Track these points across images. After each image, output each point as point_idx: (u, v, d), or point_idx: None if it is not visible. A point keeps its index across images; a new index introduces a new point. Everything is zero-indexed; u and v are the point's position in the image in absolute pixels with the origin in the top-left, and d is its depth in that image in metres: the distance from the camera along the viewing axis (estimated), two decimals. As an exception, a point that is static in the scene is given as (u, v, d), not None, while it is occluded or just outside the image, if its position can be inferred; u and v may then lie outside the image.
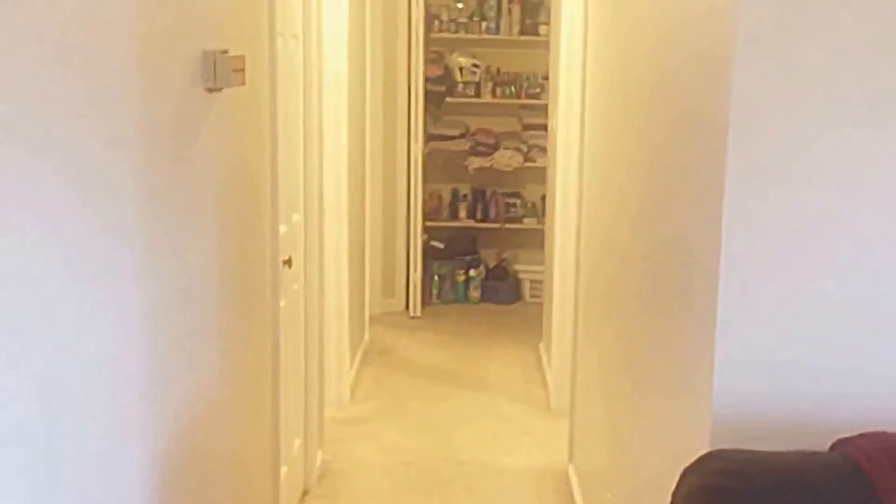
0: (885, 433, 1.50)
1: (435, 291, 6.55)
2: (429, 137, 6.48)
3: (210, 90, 2.17)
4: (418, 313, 6.23)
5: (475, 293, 6.56)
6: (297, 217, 3.45)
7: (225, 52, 2.21)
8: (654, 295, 2.18)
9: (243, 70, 2.30)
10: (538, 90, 6.35)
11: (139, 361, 1.81)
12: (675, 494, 1.52)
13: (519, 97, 6.44)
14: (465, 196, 6.67)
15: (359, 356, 5.20)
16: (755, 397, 1.60)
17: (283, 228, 3.17)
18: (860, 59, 1.55)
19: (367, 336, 5.57)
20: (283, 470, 3.31)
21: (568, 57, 4.28)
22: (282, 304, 3.18)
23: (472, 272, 6.56)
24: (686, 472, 1.53)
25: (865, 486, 1.42)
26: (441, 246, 6.63)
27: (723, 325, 1.58)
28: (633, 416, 2.49)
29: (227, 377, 2.46)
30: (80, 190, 1.52)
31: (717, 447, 1.57)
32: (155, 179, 1.86)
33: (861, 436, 1.51)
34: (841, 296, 1.59)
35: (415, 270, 6.24)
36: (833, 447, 1.57)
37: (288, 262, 3.21)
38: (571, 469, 3.73)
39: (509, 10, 6.33)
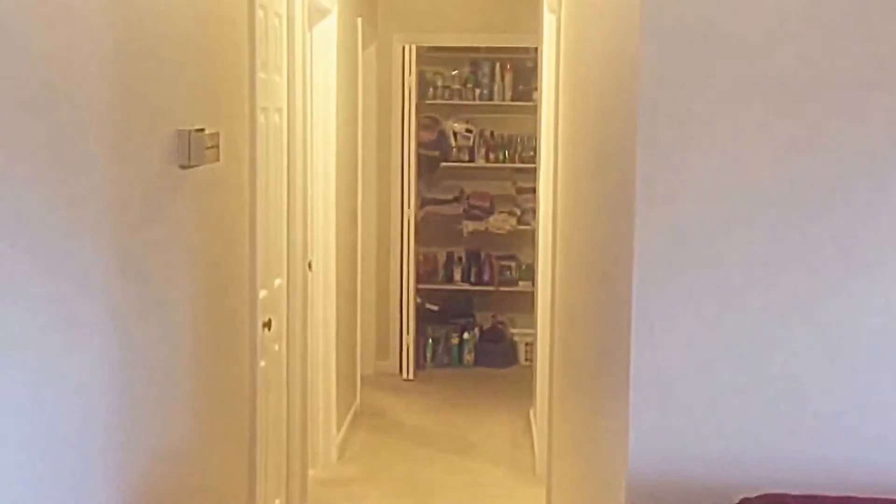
0: (783, 495, 1.65)
1: (429, 354, 6.72)
2: (424, 201, 6.72)
3: (183, 167, 2.39)
4: (411, 376, 6.39)
5: (469, 356, 6.72)
6: (279, 281, 3.65)
7: (200, 130, 2.44)
8: (593, 362, 2.36)
9: (217, 147, 2.52)
10: (531, 153, 6.57)
11: (104, 422, 1.99)
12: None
13: (513, 161, 6.67)
14: (459, 259, 6.87)
15: (349, 418, 5.36)
16: (667, 461, 1.77)
17: (263, 293, 3.37)
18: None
19: (358, 398, 5.73)
20: (263, 530, 3.47)
21: (546, 120, 4.50)
22: (262, 364, 3.37)
23: (466, 335, 6.73)
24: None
25: None
26: (436, 308, 6.81)
27: (636, 394, 1.76)
28: (580, 481, 2.65)
29: (199, 438, 2.64)
30: (46, 251, 1.72)
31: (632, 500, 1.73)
32: (125, 246, 2.06)
33: (761, 497, 1.65)
34: (746, 367, 1.77)
35: (408, 333, 6.41)
36: None
37: (267, 325, 3.40)
38: (549, 532, 3.86)
39: (502, 77, 6.60)
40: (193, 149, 2.38)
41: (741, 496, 1.69)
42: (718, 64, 1.73)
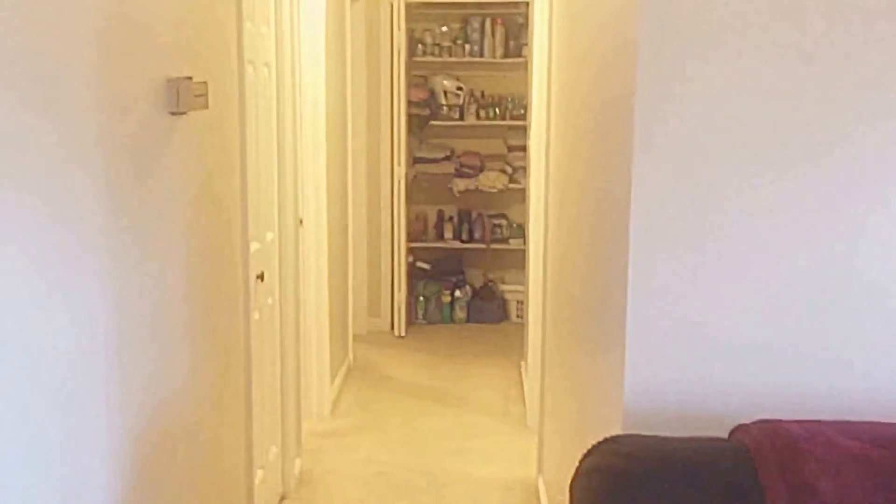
0: (777, 421, 1.71)
1: (420, 311, 6.79)
2: (414, 160, 6.75)
3: (173, 113, 2.43)
4: (403, 333, 6.47)
5: (461, 313, 6.80)
6: (270, 235, 3.70)
7: (189, 78, 2.48)
8: (585, 302, 2.42)
9: (206, 95, 2.56)
10: (522, 112, 6.60)
11: (104, 369, 2.05)
12: (574, 474, 1.74)
13: (503, 119, 6.69)
14: (450, 217, 6.92)
15: (341, 373, 5.44)
16: (665, 389, 1.84)
17: (255, 245, 3.42)
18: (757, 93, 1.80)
19: (350, 354, 5.81)
20: (259, 473, 3.55)
21: (538, 78, 4.53)
22: (255, 316, 3.43)
23: (457, 293, 6.80)
24: (587, 454, 1.75)
25: (748, 469, 1.63)
26: (427, 267, 6.87)
27: (633, 329, 1.82)
28: (576, 427, 2.73)
29: (197, 384, 2.70)
30: (43, 198, 1.77)
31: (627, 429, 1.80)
32: (119, 193, 2.11)
33: (756, 423, 1.72)
34: (744, 294, 1.83)
35: (399, 291, 6.48)
36: (731, 434, 1.79)
37: (261, 277, 3.46)
38: (541, 481, 3.94)
39: (493, 33, 6.59)
40: (182, 96, 2.43)
41: (736, 423, 1.75)
42: (717, 13, 1.78)
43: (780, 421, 1.72)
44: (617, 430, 1.86)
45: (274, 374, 3.82)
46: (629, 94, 1.83)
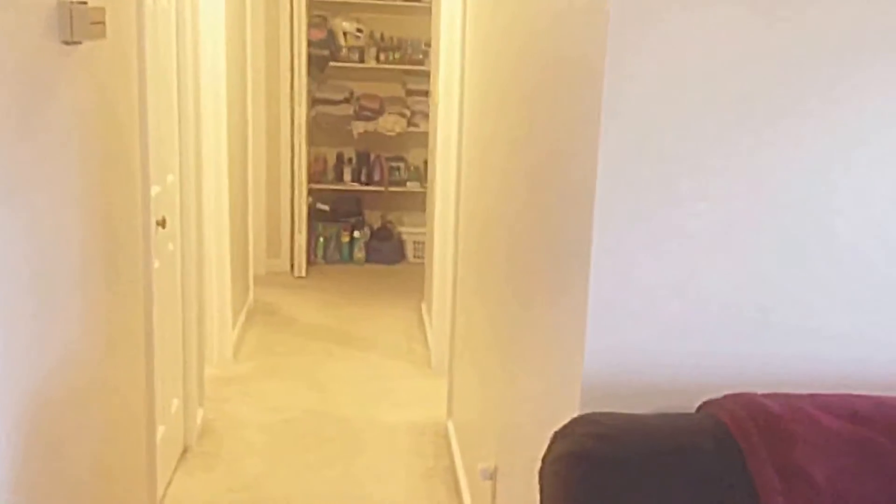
0: (750, 395, 1.45)
1: (320, 252, 6.44)
2: (314, 101, 6.32)
3: (67, 42, 1.99)
4: (303, 273, 6.10)
5: (360, 254, 6.47)
6: (171, 178, 3.28)
7: (83, 2, 2.04)
8: (528, 255, 2.13)
9: (103, 23, 2.13)
10: (421, 56, 6.24)
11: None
12: (545, 459, 1.46)
13: (403, 63, 6.31)
14: (350, 160, 6.54)
15: (242, 316, 5.05)
16: (624, 358, 1.55)
17: (156, 189, 3.00)
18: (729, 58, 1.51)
19: (251, 296, 5.41)
20: (161, 429, 3.17)
21: (449, 23, 4.18)
22: (156, 264, 3.02)
23: (356, 233, 6.47)
24: (556, 437, 1.46)
25: (735, 452, 1.38)
26: (326, 208, 6.50)
27: (595, 286, 1.52)
28: (504, 375, 2.45)
29: (91, 336, 2.30)
30: None
31: (586, 407, 1.52)
32: (8, 122, 1.69)
33: (727, 397, 1.46)
34: (706, 262, 1.56)
35: (299, 232, 6.09)
36: (700, 409, 1.53)
37: (161, 223, 3.04)
38: (450, 424, 3.69)
39: (393, -24, 6.18)
40: (77, 22, 1.99)
41: (705, 397, 1.50)
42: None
43: (752, 395, 1.47)
44: (574, 399, 1.58)
45: (175, 325, 3.42)
46: (596, 59, 1.52)
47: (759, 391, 1.45)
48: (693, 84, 1.51)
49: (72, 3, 1.98)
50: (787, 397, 1.40)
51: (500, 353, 2.54)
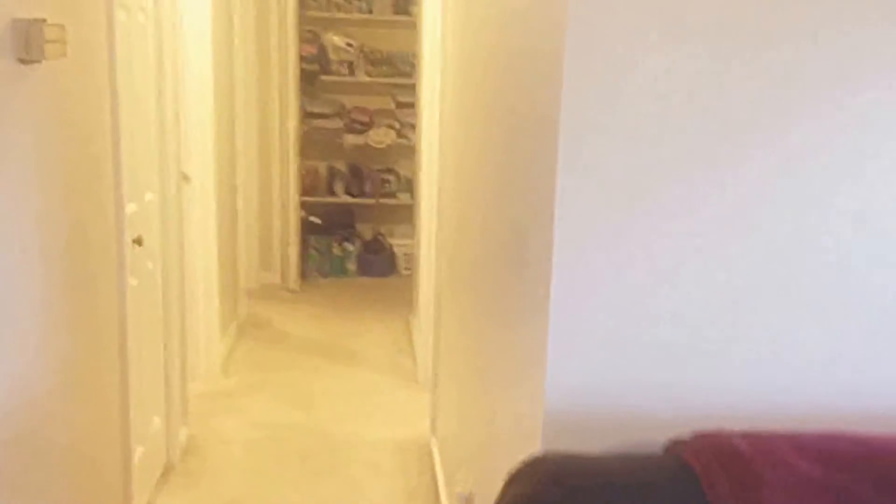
0: (720, 435, 1.35)
1: (312, 265, 6.35)
2: (306, 115, 6.24)
3: (23, 61, 1.91)
4: (295, 286, 6.01)
5: (351, 266, 6.39)
6: (150, 196, 3.19)
7: (42, 20, 1.96)
8: (497, 276, 2.04)
9: (63, 41, 2.05)
10: (410, 69, 6.16)
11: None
12: (498, 502, 1.36)
13: (393, 76, 6.24)
14: (341, 172, 6.45)
15: (233, 330, 4.96)
16: (589, 389, 1.46)
17: (132, 207, 2.92)
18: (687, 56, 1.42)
19: (241, 310, 5.32)
20: (140, 449, 3.08)
21: (431, 36, 4.11)
22: (133, 282, 2.94)
23: (348, 246, 6.38)
24: (512, 480, 1.36)
25: (699, 499, 1.28)
26: (318, 221, 6.42)
27: (556, 317, 1.43)
28: (475, 396, 2.36)
29: (54, 359, 2.22)
30: None
31: (549, 439, 1.42)
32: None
33: (697, 437, 1.36)
34: (672, 295, 1.46)
35: (291, 245, 6.01)
36: (668, 449, 1.43)
37: (138, 241, 2.96)
38: (434, 441, 3.60)
39: (382, -9, 6.11)
40: (33, 40, 1.91)
41: (670, 434, 1.39)
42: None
43: (722, 435, 1.36)
44: (537, 430, 1.49)
45: (156, 342, 3.33)
46: (555, 66, 1.43)
47: (733, 425, 1.35)
48: (650, 121, 1.42)
49: (28, 21, 1.90)
50: (761, 438, 1.30)
51: (475, 372, 2.44)
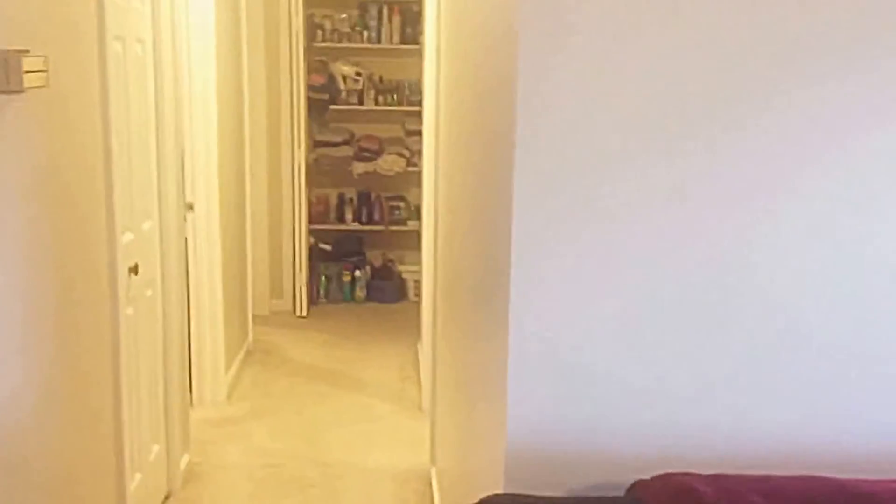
0: (683, 478, 1.27)
1: (322, 291, 6.31)
2: (315, 144, 6.23)
3: (2, 91, 1.89)
4: (304, 313, 5.97)
5: (361, 293, 6.33)
6: (149, 224, 3.16)
7: (23, 52, 1.94)
8: (473, 305, 1.98)
9: (45, 71, 2.02)
10: (419, 97, 6.13)
11: None
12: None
13: (401, 104, 6.21)
14: (351, 200, 6.43)
15: (240, 356, 4.92)
16: (554, 428, 1.39)
17: (129, 236, 2.89)
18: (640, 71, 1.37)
19: (250, 336, 5.28)
20: (138, 477, 3.04)
21: (429, 64, 4.08)
22: (129, 311, 2.90)
23: (357, 273, 6.33)
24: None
25: None
26: (328, 248, 6.38)
27: (515, 350, 1.36)
28: (460, 427, 2.30)
29: (41, 386, 2.17)
30: None
31: (512, 475, 1.35)
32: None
33: (657, 479, 1.29)
34: (636, 327, 1.40)
35: (300, 271, 5.97)
36: (630, 489, 1.36)
37: (134, 270, 2.92)
38: (433, 471, 3.52)
39: (390, 20, 6.10)
40: (12, 71, 1.89)
41: (633, 475, 1.32)
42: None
43: (685, 476, 1.29)
44: (498, 467, 1.42)
45: (156, 369, 3.29)
46: (510, 81, 1.38)
47: (701, 468, 1.28)
48: (608, 114, 1.37)
49: (7, 52, 1.88)
50: (728, 481, 1.22)
51: (462, 402, 2.38)
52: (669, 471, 1.30)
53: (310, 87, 5.96)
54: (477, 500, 1.25)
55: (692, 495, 1.20)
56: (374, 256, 6.52)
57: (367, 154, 6.29)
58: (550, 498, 1.25)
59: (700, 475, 1.26)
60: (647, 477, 1.31)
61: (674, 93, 1.36)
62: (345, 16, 6.14)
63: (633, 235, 1.39)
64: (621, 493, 1.33)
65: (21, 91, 1.95)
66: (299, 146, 5.85)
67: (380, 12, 6.09)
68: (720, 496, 1.19)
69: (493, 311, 1.55)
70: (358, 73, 6.14)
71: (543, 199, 1.36)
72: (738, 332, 1.40)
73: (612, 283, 1.37)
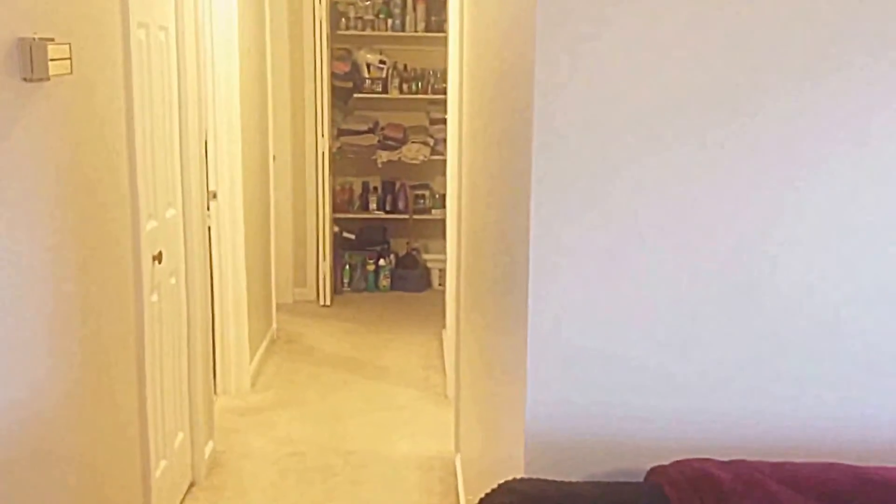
0: (701, 464, 1.27)
1: (346, 280, 6.33)
2: (339, 132, 6.24)
3: (28, 80, 1.91)
4: (328, 302, 5.99)
5: (385, 281, 6.35)
6: (172, 212, 3.19)
7: (48, 39, 1.96)
8: (494, 291, 1.98)
9: (69, 59, 2.04)
10: (443, 85, 6.12)
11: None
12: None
13: (425, 93, 6.21)
14: (375, 188, 6.44)
15: (264, 345, 4.95)
16: (575, 413, 1.39)
17: (152, 224, 2.91)
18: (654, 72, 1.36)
19: (274, 325, 5.31)
20: (163, 464, 3.07)
21: (452, 52, 4.08)
22: (154, 298, 2.93)
23: (381, 261, 6.35)
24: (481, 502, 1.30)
25: None
26: (352, 237, 6.40)
27: (534, 335, 1.36)
28: (484, 414, 2.30)
29: (66, 375, 2.20)
30: None
31: (532, 461, 1.35)
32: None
33: (675, 465, 1.29)
34: (655, 314, 1.39)
35: (324, 260, 6.00)
36: (647, 476, 1.35)
37: (158, 258, 2.95)
38: (458, 459, 3.53)
39: (414, 8, 6.09)
40: (37, 59, 1.90)
41: (651, 461, 1.32)
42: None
43: (703, 462, 1.28)
44: (518, 453, 1.42)
45: (180, 357, 3.31)
46: (528, 69, 1.38)
47: (719, 454, 1.27)
48: (625, 104, 1.35)
49: (31, 40, 1.90)
50: (745, 467, 1.21)
51: (485, 389, 2.38)
52: (687, 457, 1.30)
53: (334, 76, 5.97)
54: (496, 485, 1.25)
55: (710, 481, 1.20)
56: (399, 245, 6.53)
57: (391, 142, 6.29)
58: (570, 483, 1.25)
59: (717, 461, 1.26)
60: (665, 463, 1.30)
61: (697, 81, 1.35)
62: (369, 3, 6.14)
63: (651, 224, 1.38)
64: (640, 478, 1.33)
65: (46, 79, 1.97)
66: (323, 134, 5.86)
67: (404, 0, 6.08)
68: (737, 482, 1.19)
69: (513, 298, 1.54)
70: (382, 62, 6.14)
71: (561, 189, 1.35)
72: (756, 320, 1.39)
73: (630, 272, 1.37)
